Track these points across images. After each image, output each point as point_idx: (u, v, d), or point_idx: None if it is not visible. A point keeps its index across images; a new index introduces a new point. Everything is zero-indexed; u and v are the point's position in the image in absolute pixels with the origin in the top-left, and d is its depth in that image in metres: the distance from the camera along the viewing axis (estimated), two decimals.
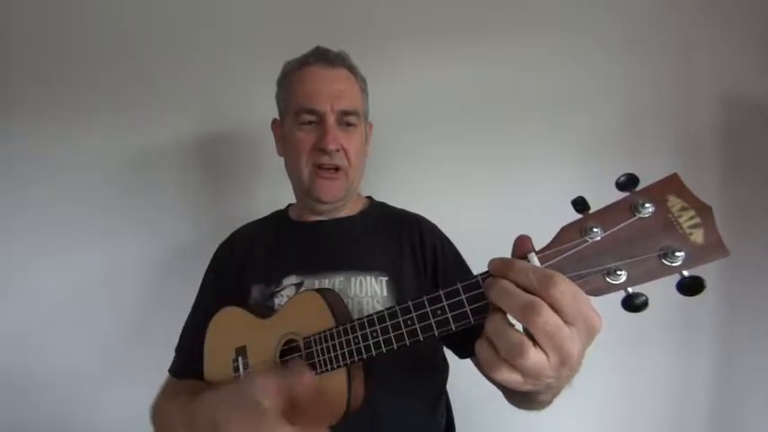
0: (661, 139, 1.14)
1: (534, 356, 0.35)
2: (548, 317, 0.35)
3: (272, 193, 0.95)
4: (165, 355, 0.81)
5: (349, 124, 0.76)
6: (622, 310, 0.38)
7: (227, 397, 0.52)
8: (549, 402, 0.56)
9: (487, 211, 1.14)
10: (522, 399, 0.62)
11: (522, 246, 0.41)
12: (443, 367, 0.79)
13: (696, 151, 1.14)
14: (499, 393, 0.68)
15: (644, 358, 1.16)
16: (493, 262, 0.40)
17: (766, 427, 1.12)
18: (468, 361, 0.73)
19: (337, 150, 0.74)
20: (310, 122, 0.75)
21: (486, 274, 0.42)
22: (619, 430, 1.18)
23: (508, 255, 0.42)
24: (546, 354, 0.36)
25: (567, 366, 0.37)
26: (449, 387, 0.81)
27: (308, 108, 0.74)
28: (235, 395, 0.51)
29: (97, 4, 1.17)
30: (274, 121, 0.85)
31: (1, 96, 1.17)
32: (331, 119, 0.74)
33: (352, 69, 0.79)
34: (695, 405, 1.16)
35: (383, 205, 0.89)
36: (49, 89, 1.17)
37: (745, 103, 1.13)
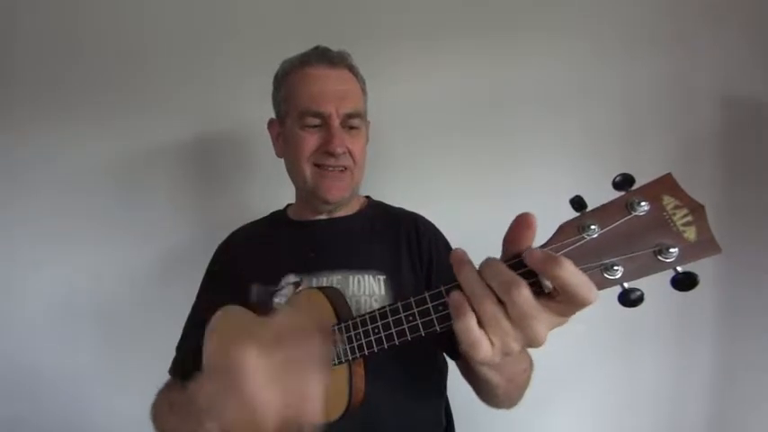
0: (661, 138, 1.14)
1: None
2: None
3: (270, 194, 0.95)
4: (165, 356, 0.81)
5: (352, 127, 0.76)
6: (619, 309, 0.38)
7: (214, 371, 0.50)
8: (512, 394, 0.66)
9: (487, 211, 1.14)
10: (488, 391, 0.66)
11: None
12: (443, 366, 0.80)
13: (696, 151, 1.14)
14: None
15: (642, 358, 1.17)
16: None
17: (765, 428, 1.12)
18: None
19: (343, 153, 0.74)
20: (314, 125, 0.74)
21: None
22: (617, 429, 1.19)
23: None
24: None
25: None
26: (449, 387, 0.81)
27: (313, 111, 0.73)
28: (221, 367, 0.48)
29: (94, 7, 1.17)
30: (271, 122, 0.84)
31: (1, 98, 1.17)
32: (336, 122, 0.73)
33: (352, 69, 0.79)
34: (693, 404, 1.17)
35: (381, 204, 0.90)
36: (47, 91, 1.17)
37: (744, 102, 1.13)
